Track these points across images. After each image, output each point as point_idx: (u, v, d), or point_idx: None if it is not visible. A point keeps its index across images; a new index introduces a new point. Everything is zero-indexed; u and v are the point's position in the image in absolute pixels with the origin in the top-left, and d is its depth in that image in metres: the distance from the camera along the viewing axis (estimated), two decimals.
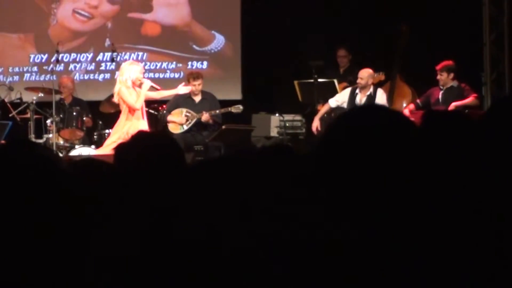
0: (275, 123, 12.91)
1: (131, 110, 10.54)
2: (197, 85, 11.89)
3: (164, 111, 12.07)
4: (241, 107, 12.04)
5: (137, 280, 1.47)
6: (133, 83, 10.50)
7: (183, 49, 14.22)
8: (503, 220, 1.94)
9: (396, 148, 1.79)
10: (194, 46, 14.25)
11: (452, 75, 11.44)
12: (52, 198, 1.67)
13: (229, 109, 11.99)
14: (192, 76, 12.08)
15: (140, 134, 1.49)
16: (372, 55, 12.58)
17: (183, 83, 11.72)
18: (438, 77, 11.47)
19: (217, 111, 11.99)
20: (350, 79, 12.58)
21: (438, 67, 11.49)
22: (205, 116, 11.89)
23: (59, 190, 1.67)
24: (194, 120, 11.98)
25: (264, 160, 2.24)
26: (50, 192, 1.67)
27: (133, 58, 13.81)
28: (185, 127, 11.99)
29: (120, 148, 1.56)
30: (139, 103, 10.55)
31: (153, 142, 1.45)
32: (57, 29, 14.06)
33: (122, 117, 10.66)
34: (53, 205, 1.67)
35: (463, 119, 3.56)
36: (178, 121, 12.00)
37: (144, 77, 10.77)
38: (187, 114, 11.99)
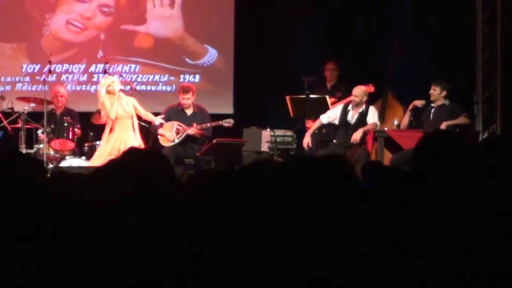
0: (266, 138, 12.88)
1: (113, 122, 11.10)
2: (186, 99, 11.96)
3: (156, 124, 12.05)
4: (232, 121, 12.03)
5: None
6: (108, 92, 11.13)
7: (175, 62, 14.21)
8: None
9: None
10: (187, 59, 14.24)
11: (444, 93, 11.41)
12: (37, 217, 1.65)
13: (220, 122, 11.99)
14: (182, 89, 12.14)
15: (131, 151, 1.46)
16: (361, 72, 12.58)
17: (162, 116, 11.88)
18: (431, 91, 11.41)
19: (208, 125, 11.99)
20: (339, 95, 12.58)
21: (433, 81, 11.45)
22: (191, 130, 11.89)
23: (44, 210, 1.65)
24: (185, 134, 11.96)
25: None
26: (36, 211, 1.65)
27: (125, 70, 13.82)
28: (176, 141, 11.97)
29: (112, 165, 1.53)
30: (112, 113, 11.10)
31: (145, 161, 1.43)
32: (50, 39, 14.04)
33: (106, 128, 11.21)
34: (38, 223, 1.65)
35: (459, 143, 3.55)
36: (168, 137, 11.98)
37: (115, 86, 11.19)
38: (178, 127, 11.98)
